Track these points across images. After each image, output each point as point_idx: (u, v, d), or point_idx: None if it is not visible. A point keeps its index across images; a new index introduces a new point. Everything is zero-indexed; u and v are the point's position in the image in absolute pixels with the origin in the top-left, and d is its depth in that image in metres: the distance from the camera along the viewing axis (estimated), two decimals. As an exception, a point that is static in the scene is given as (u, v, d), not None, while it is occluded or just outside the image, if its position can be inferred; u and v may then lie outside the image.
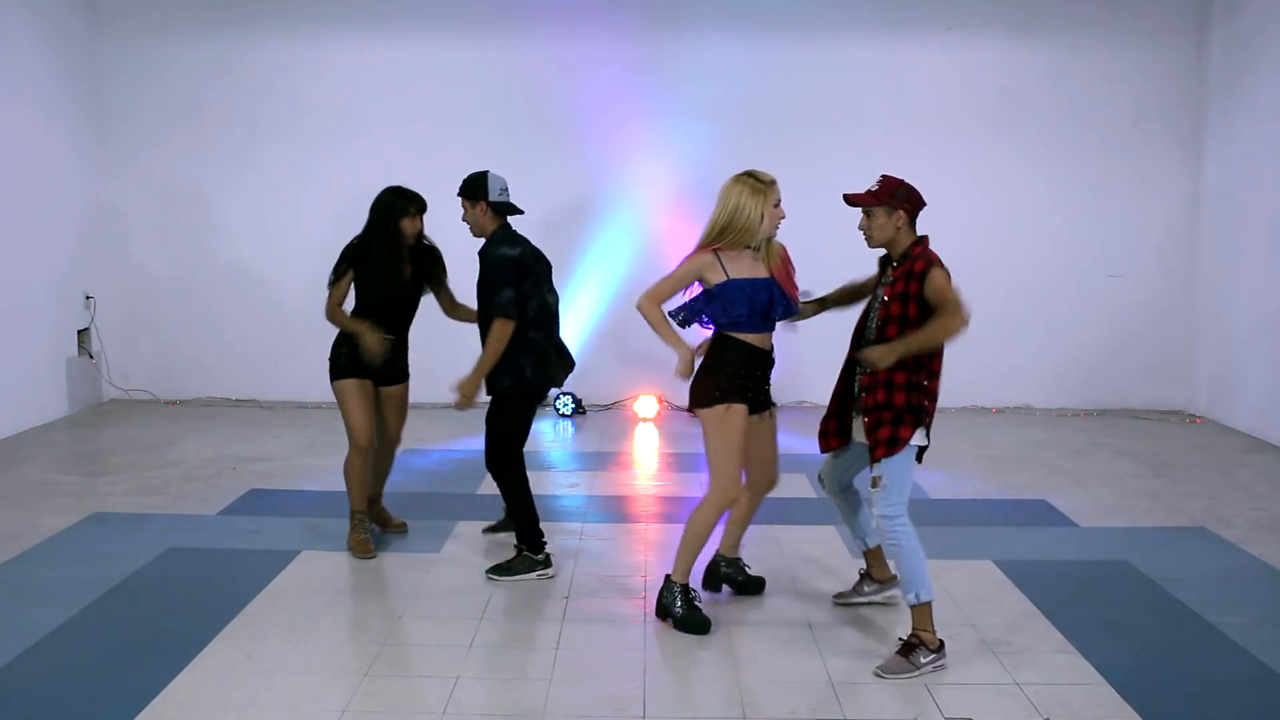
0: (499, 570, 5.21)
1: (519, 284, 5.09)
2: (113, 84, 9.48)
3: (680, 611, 4.57)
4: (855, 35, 9.45)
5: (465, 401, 5.14)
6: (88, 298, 9.33)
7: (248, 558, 5.49)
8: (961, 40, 9.43)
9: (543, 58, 9.40)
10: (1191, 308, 9.54)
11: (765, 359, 4.58)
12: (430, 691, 4.00)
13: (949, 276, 4.24)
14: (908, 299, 4.24)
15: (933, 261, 4.25)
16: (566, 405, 9.27)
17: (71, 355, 9.12)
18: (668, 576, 4.66)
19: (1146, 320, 9.60)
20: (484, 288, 5.14)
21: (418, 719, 3.81)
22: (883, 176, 4.41)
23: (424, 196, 5.52)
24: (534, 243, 5.27)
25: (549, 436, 8.60)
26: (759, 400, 4.61)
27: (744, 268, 4.49)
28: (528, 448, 5.29)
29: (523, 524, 5.22)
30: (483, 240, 5.27)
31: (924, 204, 4.37)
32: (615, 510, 6.46)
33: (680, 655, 4.37)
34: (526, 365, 5.11)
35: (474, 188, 5.23)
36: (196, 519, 6.15)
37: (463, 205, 5.28)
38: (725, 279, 4.46)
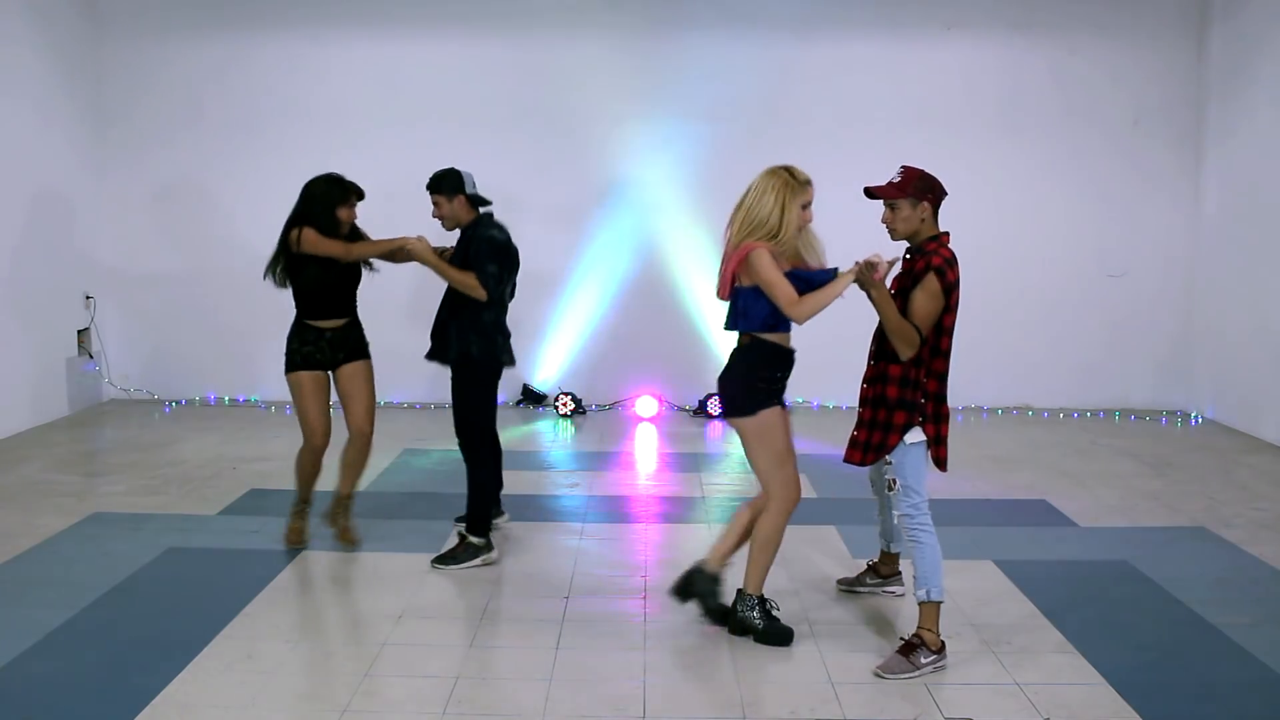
0: (444, 559, 5.31)
1: (501, 267, 5.29)
2: (112, 84, 9.48)
3: (761, 623, 4.41)
4: (855, 35, 9.45)
5: (411, 248, 5.27)
6: (88, 298, 9.34)
7: (248, 558, 5.49)
8: (961, 40, 9.43)
9: (543, 58, 9.39)
10: (1191, 307, 9.54)
11: (791, 359, 4.43)
12: (430, 691, 4.00)
13: (943, 289, 4.13)
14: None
15: (933, 265, 4.15)
16: (567, 405, 9.27)
17: (71, 355, 9.12)
18: (740, 591, 4.45)
19: (1146, 320, 9.60)
20: (469, 260, 5.27)
21: (418, 719, 3.81)
22: (904, 167, 4.32)
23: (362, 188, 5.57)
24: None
25: (549, 436, 8.60)
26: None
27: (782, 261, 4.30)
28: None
29: (476, 506, 5.34)
30: (457, 232, 5.43)
31: (945, 193, 4.30)
32: (615, 510, 6.46)
33: (680, 655, 4.36)
34: (474, 344, 5.27)
35: (452, 183, 5.35)
36: (196, 519, 6.15)
37: (436, 201, 5.39)
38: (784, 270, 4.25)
